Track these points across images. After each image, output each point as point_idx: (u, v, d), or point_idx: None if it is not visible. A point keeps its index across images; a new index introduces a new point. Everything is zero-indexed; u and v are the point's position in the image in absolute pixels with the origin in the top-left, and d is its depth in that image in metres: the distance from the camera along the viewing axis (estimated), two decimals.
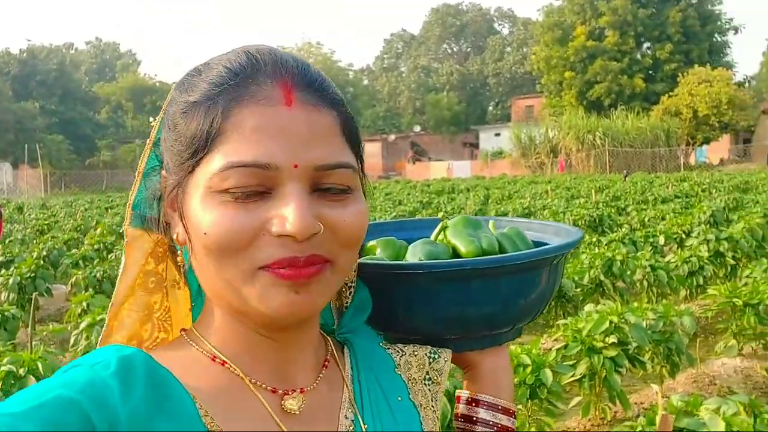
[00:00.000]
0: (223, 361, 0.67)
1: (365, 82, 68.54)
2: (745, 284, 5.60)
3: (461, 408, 0.84)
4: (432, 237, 0.90)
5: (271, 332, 0.67)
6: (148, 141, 0.71)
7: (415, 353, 0.80)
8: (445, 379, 0.80)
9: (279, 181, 0.61)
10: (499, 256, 0.82)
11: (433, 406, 0.78)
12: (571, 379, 4.05)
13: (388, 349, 0.80)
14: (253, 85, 0.62)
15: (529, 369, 3.74)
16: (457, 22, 68.56)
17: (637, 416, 4.03)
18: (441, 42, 69.30)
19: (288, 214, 0.60)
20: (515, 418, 0.84)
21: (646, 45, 44.36)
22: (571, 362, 4.08)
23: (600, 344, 4.07)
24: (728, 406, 2.74)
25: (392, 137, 51.48)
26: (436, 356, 0.80)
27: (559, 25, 44.69)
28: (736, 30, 45.19)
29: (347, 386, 0.73)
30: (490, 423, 0.82)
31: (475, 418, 0.83)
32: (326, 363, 0.73)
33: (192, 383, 0.63)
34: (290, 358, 0.70)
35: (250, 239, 0.61)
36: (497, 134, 47.20)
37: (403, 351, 0.80)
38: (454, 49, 70.02)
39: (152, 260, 0.71)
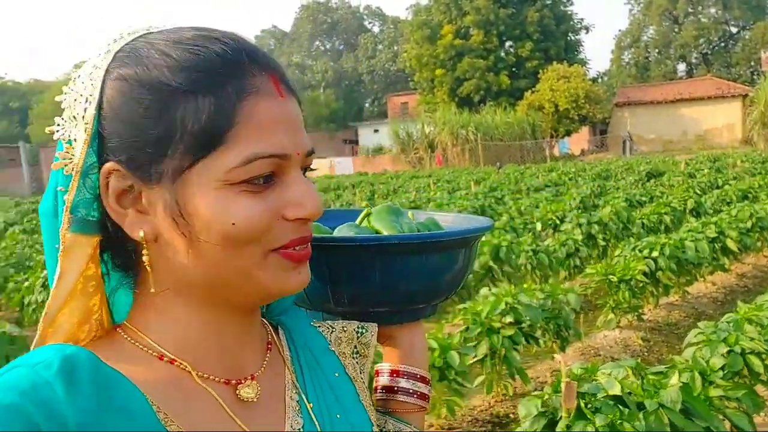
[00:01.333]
0: (172, 358, 0.66)
1: None
2: (617, 263, 6.12)
3: (383, 380, 0.90)
4: (356, 222, 0.95)
5: (238, 318, 0.69)
6: (84, 135, 0.63)
7: (345, 329, 0.84)
8: (372, 352, 0.85)
9: (286, 168, 0.65)
10: (428, 233, 0.89)
11: (362, 378, 0.82)
12: (475, 359, 4.28)
13: (319, 327, 0.83)
14: (253, 77, 0.63)
15: (437, 352, 3.91)
16: (328, 20, 68.75)
17: (536, 390, 4.33)
18: (313, 39, 69.21)
19: (304, 199, 0.66)
20: (430, 385, 0.92)
21: (508, 43, 46.65)
22: (473, 343, 4.30)
23: (498, 324, 4.31)
24: (619, 370, 3.05)
25: None
26: (364, 330, 0.85)
27: (427, 23, 45.94)
28: (587, 29, 48.76)
29: (288, 367, 0.75)
30: (410, 391, 0.88)
31: (396, 388, 0.88)
32: (269, 346, 0.75)
33: (140, 381, 0.61)
34: (242, 345, 0.71)
35: (270, 225, 0.64)
36: (376, 130, 47.91)
37: (333, 328, 0.84)
38: (327, 47, 70.18)
39: (92, 264, 0.65)
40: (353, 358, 0.83)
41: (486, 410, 4.37)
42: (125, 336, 0.67)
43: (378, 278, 0.82)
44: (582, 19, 48.70)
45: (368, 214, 0.95)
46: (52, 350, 0.57)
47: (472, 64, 43.48)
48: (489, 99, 42.87)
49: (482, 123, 37.14)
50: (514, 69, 45.20)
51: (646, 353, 5.34)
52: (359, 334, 0.84)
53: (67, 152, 0.64)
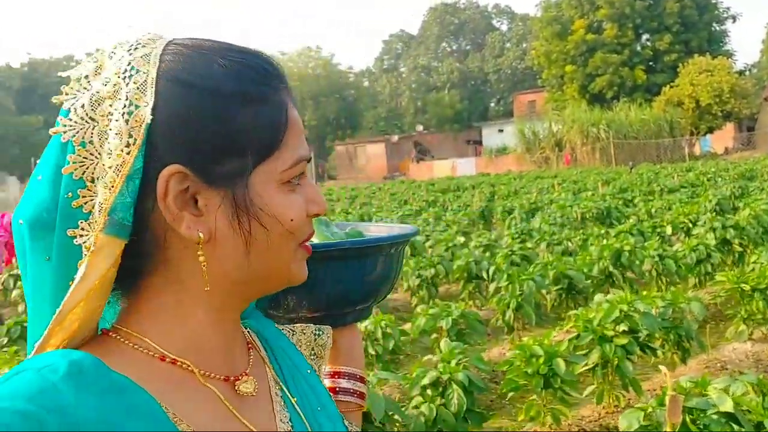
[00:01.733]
0: (174, 359, 0.66)
1: (366, 83, 68.64)
2: (753, 270, 5.65)
3: (324, 382, 0.92)
4: None
5: (236, 316, 0.74)
6: (135, 140, 0.62)
7: (304, 332, 0.89)
8: (328, 353, 0.91)
9: (305, 170, 0.72)
10: (373, 237, 0.99)
11: (320, 378, 0.87)
12: (584, 368, 4.13)
13: (283, 329, 0.87)
14: (284, 89, 0.70)
15: (541, 359, 3.82)
16: (456, 21, 68.57)
17: (648, 402, 4.11)
18: (440, 41, 69.33)
19: (319, 197, 0.72)
20: (366, 383, 0.97)
21: (645, 36, 44.30)
22: (583, 352, 4.15)
23: (611, 333, 4.13)
24: (737, 385, 2.82)
25: (395, 138, 51.47)
26: (320, 333, 0.90)
27: (557, 19, 44.67)
28: (734, 18, 45.13)
29: (268, 365, 0.78)
30: (351, 390, 0.94)
31: (337, 389, 0.93)
32: (249, 346, 0.78)
33: (144, 383, 0.61)
34: (234, 343, 0.73)
35: (305, 221, 0.71)
36: (500, 130, 47.20)
37: (293, 331, 0.88)
38: (454, 48, 70.05)
39: (113, 268, 0.64)
40: (311, 359, 0.87)
41: (595, 421, 4.20)
42: (122, 339, 0.67)
43: (326, 284, 0.89)
44: (728, 8, 45.19)
45: None
46: (56, 355, 0.58)
47: (605, 59, 41.75)
48: (623, 95, 40.94)
49: (615, 120, 35.52)
50: (650, 63, 42.98)
51: None
52: (316, 336, 0.90)
53: (79, 155, 0.63)
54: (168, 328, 0.67)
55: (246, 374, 0.72)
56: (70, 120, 0.63)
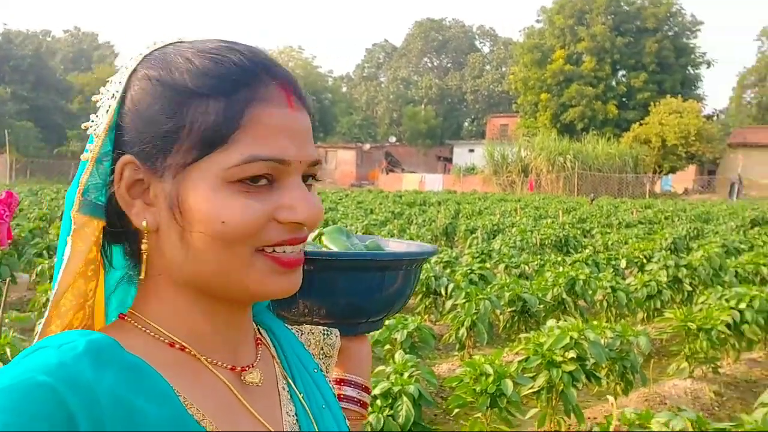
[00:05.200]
0: (183, 345, 0.68)
1: (344, 89, 68.63)
2: (700, 310, 5.83)
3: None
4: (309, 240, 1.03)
5: (236, 311, 0.72)
6: (104, 124, 0.68)
7: (312, 332, 0.92)
8: (336, 353, 0.93)
9: (285, 173, 0.67)
10: (396, 251, 1.02)
11: (328, 377, 0.90)
12: (530, 390, 4.20)
13: (292, 329, 0.88)
14: (266, 87, 0.67)
15: (491, 378, 3.87)
16: (440, 37, 69.17)
17: (591, 430, 4.20)
18: (422, 55, 69.83)
19: (298, 204, 0.67)
20: (370, 393, 1.00)
21: (621, 73, 45.37)
22: (531, 374, 4.22)
23: (559, 358, 4.21)
24: (677, 421, 2.92)
25: (367, 146, 51.53)
26: (329, 333, 0.93)
27: (538, 47, 45.42)
28: (708, 64, 46.42)
29: (276, 361, 0.80)
30: (355, 399, 0.97)
31: (342, 396, 0.96)
32: (257, 341, 0.79)
33: (155, 366, 0.63)
34: (241, 337, 0.75)
35: (262, 226, 0.66)
36: (471, 150, 47.68)
37: (301, 331, 0.91)
38: (435, 63, 70.63)
39: (95, 248, 0.68)
40: (320, 358, 0.90)
41: None
42: (134, 323, 0.69)
43: (345, 294, 0.92)
44: (704, 54, 46.40)
45: (320, 234, 1.05)
46: (76, 334, 0.60)
47: (580, 90, 42.59)
48: (593, 128, 41.77)
49: (582, 152, 36.25)
50: (623, 99, 44.00)
51: (717, 408, 5.05)
52: (325, 336, 0.92)
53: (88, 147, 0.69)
54: (168, 314, 0.69)
55: (253, 366, 0.74)
56: (96, 115, 0.70)
